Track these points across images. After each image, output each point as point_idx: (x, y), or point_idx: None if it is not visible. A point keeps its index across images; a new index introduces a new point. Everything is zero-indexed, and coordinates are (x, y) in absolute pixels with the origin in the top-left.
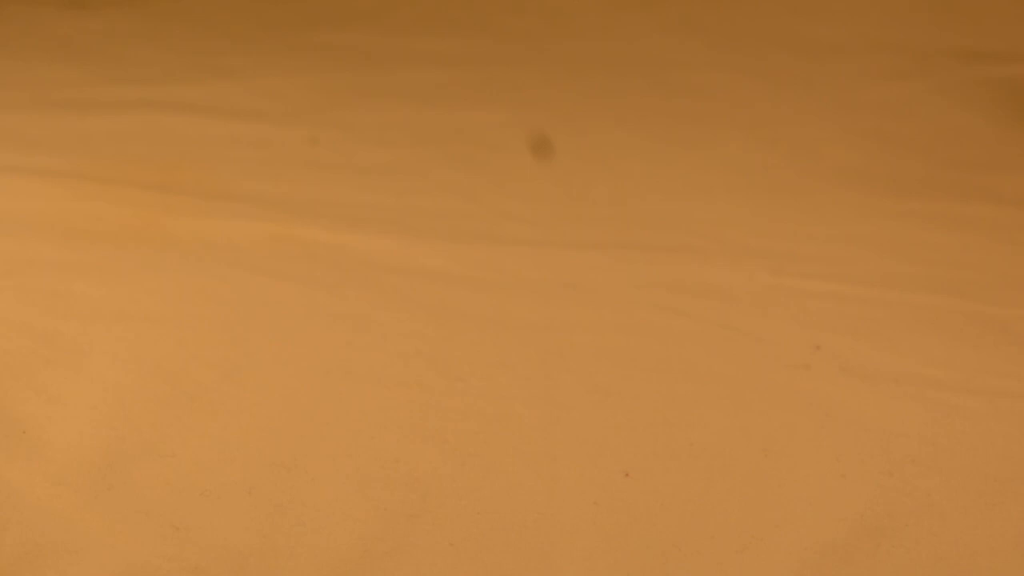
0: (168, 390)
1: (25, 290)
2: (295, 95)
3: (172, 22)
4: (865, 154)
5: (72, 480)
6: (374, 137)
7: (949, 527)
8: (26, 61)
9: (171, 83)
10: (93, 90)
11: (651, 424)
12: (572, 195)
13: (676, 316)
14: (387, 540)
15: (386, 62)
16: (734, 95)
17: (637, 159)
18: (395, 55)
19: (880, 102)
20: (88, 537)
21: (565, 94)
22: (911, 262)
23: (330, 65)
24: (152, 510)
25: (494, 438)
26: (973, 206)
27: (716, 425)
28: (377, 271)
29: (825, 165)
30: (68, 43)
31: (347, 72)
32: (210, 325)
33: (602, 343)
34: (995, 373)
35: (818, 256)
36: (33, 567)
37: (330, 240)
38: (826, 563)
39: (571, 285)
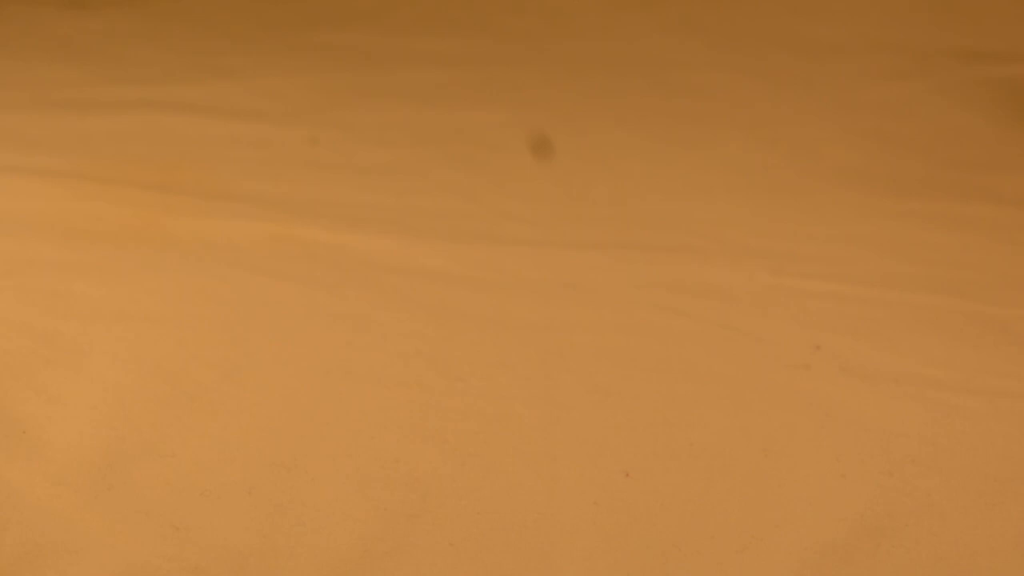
0: (168, 390)
1: (25, 290)
2: (295, 95)
3: (172, 22)
4: (865, 154)
5: (72, 480)
6: (374, 137)
7: (949, 527)
8: (26, 61)
9: (171, 83)
10: (93, 90)
11: (651, 424)
12: (572, 195)
13: (676, 316)
14: (387, 540)
15: (386, 62)
16: (734, 95)
17: (637, 159)
18: (395, 55)
19: (880, 102)
20: (88, 537)
21: (565, 94)
22: (911, 262)
23: (330, 65)
24: (152, 510)
25: (494, 438)
26: (973, 206)
27: (716, 425)
28: (377, 271)
29: (825, 165)
30: (68, 43)
31: (347, 72)
32: (210, 325)
33: (602, 343)
34: (995, 373)
35: (818, 256)
36: (33, 567)
37: (330, 240)
38: (826, 563)
39: (571, 285)
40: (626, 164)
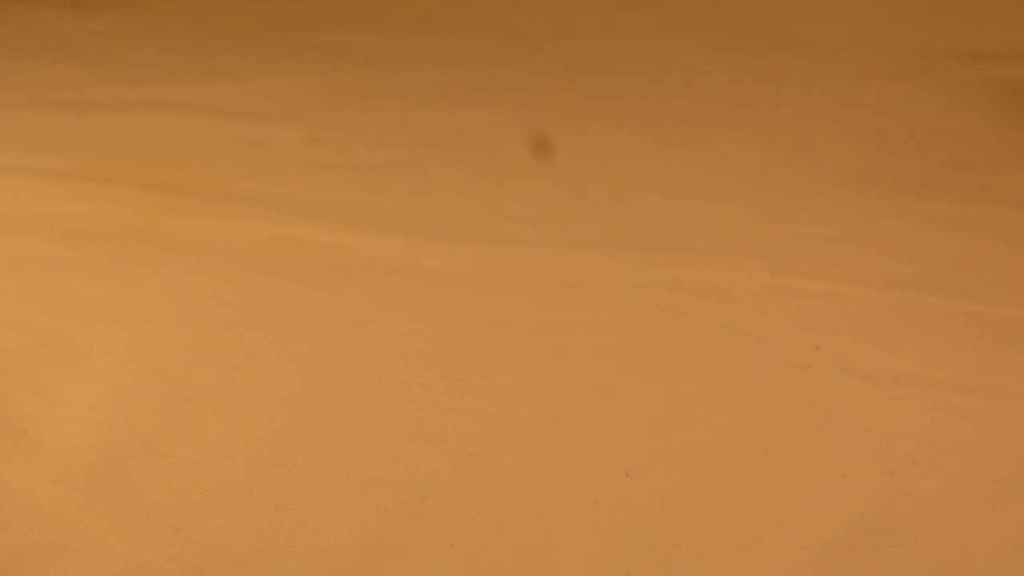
0: (168, 390)
1: (25, 290)
2: (295, 95)
3: (172, 22)
4: (865, 154)
5: (72, 480)
6: (374, 137)
7: (949, 527)
8: (26, 61)
9: (171, 83)
10: (93, 90)
11: (651, 424)
12: (572, 195)
13: (676, 316)
14: (387, 540)
15: (386, 62)
16: (734, 95)
17: (637, 159)
18: (395, 55)
19: (880, 102)
20: (88, 537)
21: (565, 94)
22: (911, 262)
23: (330, 65)
24: (152, 510)
25: (494, 438)
26: (973, 206)
27: (716, 425)
28: (377, 271)
29: (825, 165)
30: (68, 43)
31: (347, 72)
32: (210, 325)
33: (602, 343)
34: (995, 373)
35: (818, 256)
36: (33, 567)
37: (330, 240)
38: (826, 563)
39: (571, 285)
40: (626, 164)
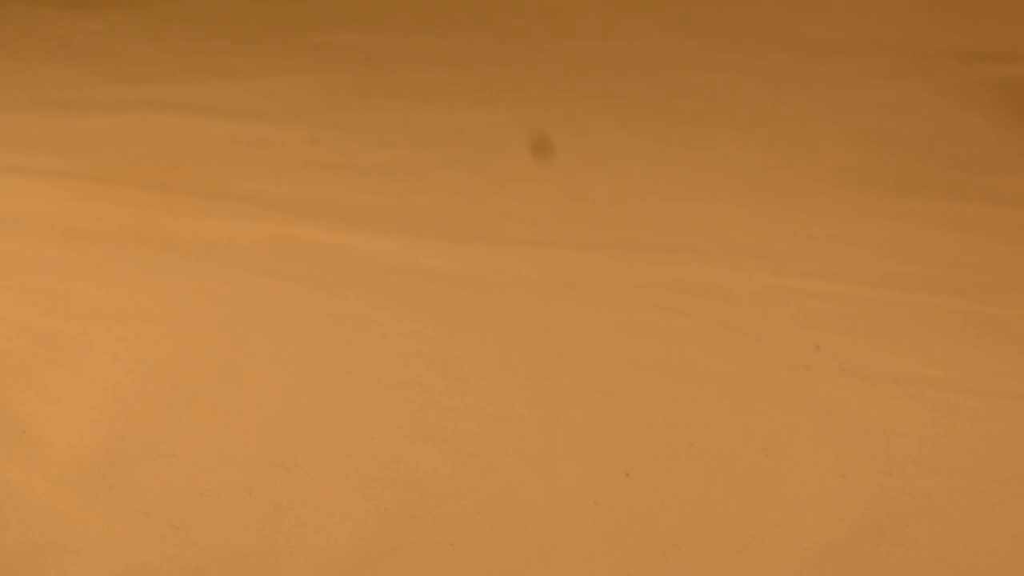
0: (168, 390)
1: (25, 290)
2: (295, 95)
3: (172, 22)
4: (865, 154)
5: (72, 480)
6: (374, 137)
7: (949, 527)
8: (26, 61)
9: (171, 83)
10: (93, 90)
11: (651, 424)
12: (572, 195)
13: (676, 316)
14: (387, 540)
15: (386, 62)
16: (734, 95)
17: (637, 159)
18: (395, 55)
19: (880, 102)
20: (88, 537)
21: (565, 94)
22: (911, 262)
23: (330, 65)
24: (152, 510)
25: (494, 438)
26: (973, 206)
27: (716, 425)
28: (377, 271)
29: (825, 165)
30: (68, 43)
31: (347, 72)
32: (210, 325)
33: (602, 343)
34: (995, 373)
35: (818, 256)
36: (33, 567)
37: (330, 240)
38: (826, 563)
39: (571, 285)
40: (626, 164)
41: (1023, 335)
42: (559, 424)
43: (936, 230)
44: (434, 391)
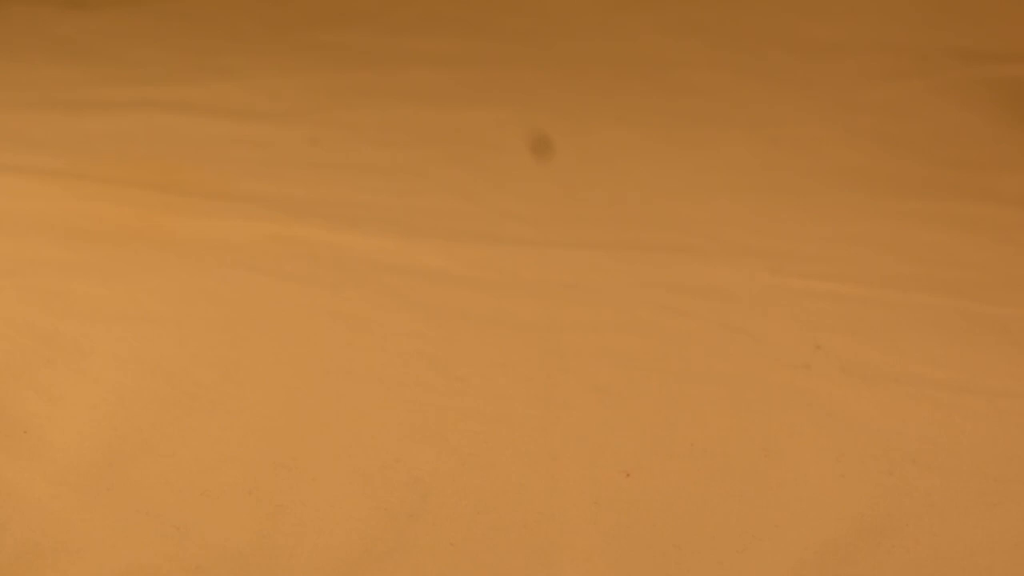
0: (168, 390)
1: (25, 290)
2: (295, 95)
3: (172, 22)
4: (865, 154)
5: (72, 480)
6: (374, 137)
7: (949, 527)
8: (26, 61)
9: (171, 83)
10: (93, 90)
11: (651, 424)
12: (572, 195)
13: (676, 316)
14: (387, 540)
15: (386, 62)
16: (734, 95)
17: (637, 159)
18: (395, 55)
19: (880, 102)
20: (88, 537)
21: (565, 94)
22: (911, 262)
23: (330, 65)
24: (152, 510)
25: (494, 438)
26: (973, 206)
27: (716, 425)
28: (377, 271)
29: (825, 165)
30: (68, 43)
31: (347, 72)
32: (210, 325)
33: (602, 343)
34: (995, 373)
35: (818, 256)
36: (33, 567)
37: (330, 240)
38: (826, 563)
39: (571, 285)
40: (626, 164)
41: (1023, 335)
42: (559, 424)
43: (936, 230)
44: (434, 391)
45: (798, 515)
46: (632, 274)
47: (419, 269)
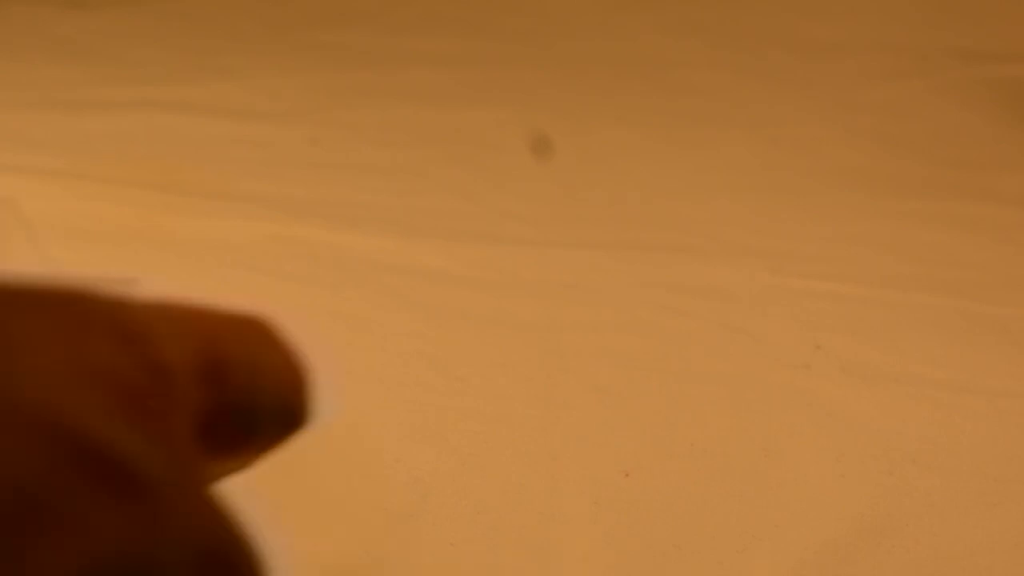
0: None
1: None
2: (295, 95)
3: (172, 22)
4: (865, 154)
5: None
6: (374, 137)
7: (949, 527)
8: (26, 61)
9: (171, 83)
10: (93, 90)
11: (651, 424)
12: (572, 195)
13: (676, 316)
14: (387, 540)
15: (386, 62)
16: (734, 95)
17: (637, 159)
18: (395, 55)
19: (880, 102)
20: None
21: (565, 94)
22: (911, 262)
23: (330, 65)
24: None
25: (494, 438)
26: (973, 206)
27: (716, 425)
28: (377, 271)
29: (825, 165)
30: (68, 43)
31: (347, 72)
32: None
33: (602, 343)
34: (995, 373)
35: (818, 256)
36: None
37: (330, 240)
38: (826, 563)
39: (571, 285)
40: (626, 164)
41: (1023, 335)
42: (559, 424)
43: (936, 230)
44: (434, 391)
45: (798, 515)
46: (632, 274)
47: (419, 269)
